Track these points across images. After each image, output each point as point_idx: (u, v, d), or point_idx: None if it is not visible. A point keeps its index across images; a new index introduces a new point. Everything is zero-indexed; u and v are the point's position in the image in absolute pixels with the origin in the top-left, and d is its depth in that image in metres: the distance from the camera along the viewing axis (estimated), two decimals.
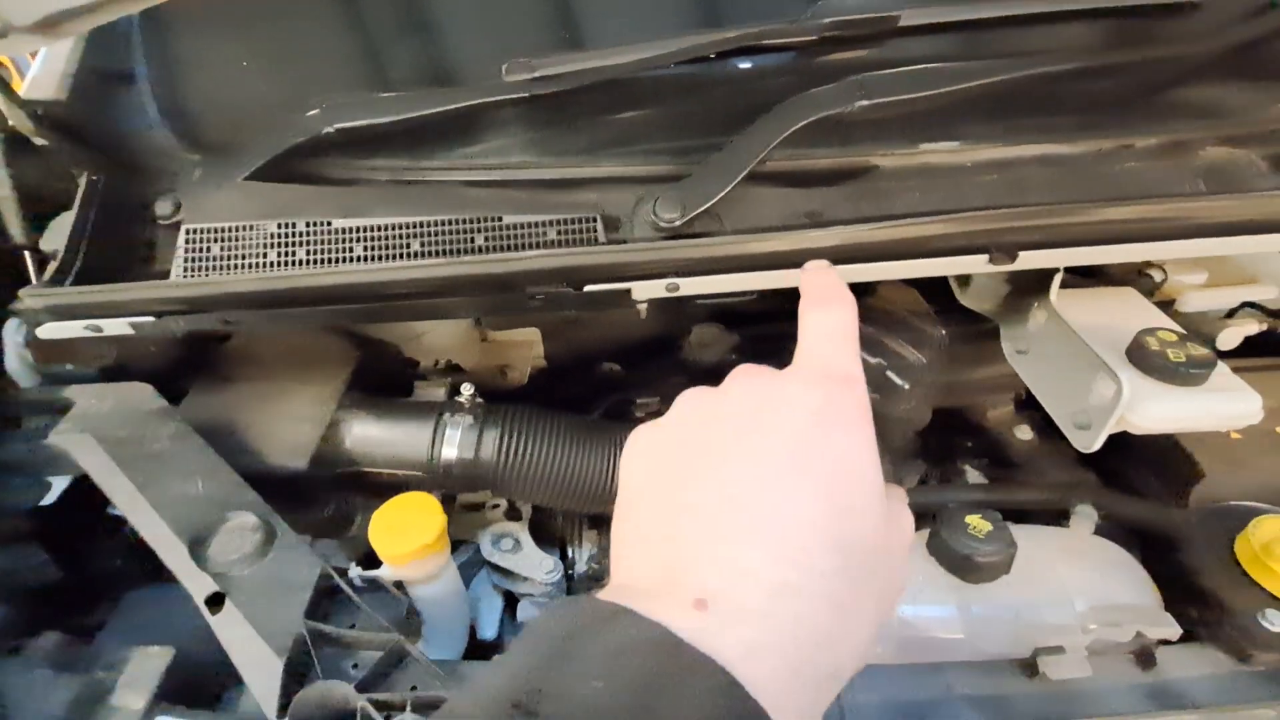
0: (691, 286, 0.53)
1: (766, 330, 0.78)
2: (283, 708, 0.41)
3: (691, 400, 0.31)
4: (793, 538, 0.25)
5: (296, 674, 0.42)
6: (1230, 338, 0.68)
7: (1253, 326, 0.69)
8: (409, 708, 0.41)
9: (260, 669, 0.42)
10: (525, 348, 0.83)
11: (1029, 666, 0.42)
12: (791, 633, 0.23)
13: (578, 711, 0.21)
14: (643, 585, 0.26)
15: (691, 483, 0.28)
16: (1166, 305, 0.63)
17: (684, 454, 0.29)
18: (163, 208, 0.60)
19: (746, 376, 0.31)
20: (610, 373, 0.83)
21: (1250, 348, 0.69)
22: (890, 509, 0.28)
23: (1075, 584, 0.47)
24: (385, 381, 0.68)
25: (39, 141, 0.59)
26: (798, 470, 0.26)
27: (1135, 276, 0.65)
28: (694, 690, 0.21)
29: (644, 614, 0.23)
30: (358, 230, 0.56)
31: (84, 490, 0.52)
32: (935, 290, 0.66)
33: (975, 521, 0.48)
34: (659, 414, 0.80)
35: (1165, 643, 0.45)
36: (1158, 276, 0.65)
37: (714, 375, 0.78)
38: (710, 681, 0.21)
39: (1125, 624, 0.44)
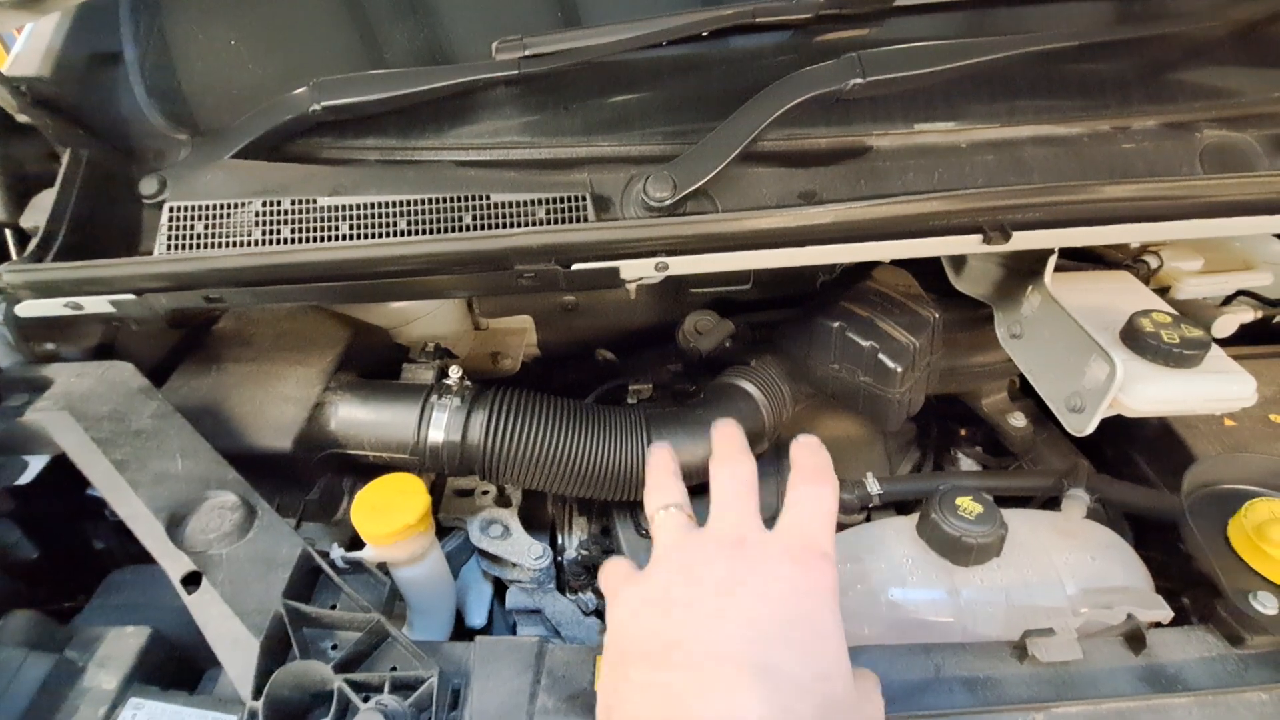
0: (681, 266, 0.52)
1: (762, 318, 0.77)
2: (258, 688, 0.40)
3: (675, 561, 0.34)
4: (780, 694, 0.28)
5: (274, 654, 0.41)
6: (1225, 325, 0.67)
7: (1247, 314, 0.68)
8: (387, 688, 0.40)
9: (236, 648, 0.41)
10: (518, 335, 0.82)
11: (1019, 649, 0.41)
12: None
13: None
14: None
15: (684, 641, 0.31)
16: (1161, 293, 0.63)
17: (673, 613, 0.32)
18: (147, 186, 0.59)
19: (722, 540, 0.34)
20: (604, 360, 0.82)
21: (1245, 336, 0.68)
22: (863, 687, 0.33)
23: (1066, 566, 0.47)
24: (374, 366, 0.67)
25: (22, 118, 0.58)
26: (782, 636, 0.30)
27: (1130, 263, 0.64)
28: None
29: None
30: (344, 208, 0.56)
31: (63, 469, 0.51)
32: (930, 275, 0.65)
33: (966, 503, 0.47)
34: (652, 400, 0.79)
35: (1158, 626, 0.44)
36: (1153, 263, 0.64)
37: (709, 363, 0.77)
38: None
39: (1116, 606, 0.43)
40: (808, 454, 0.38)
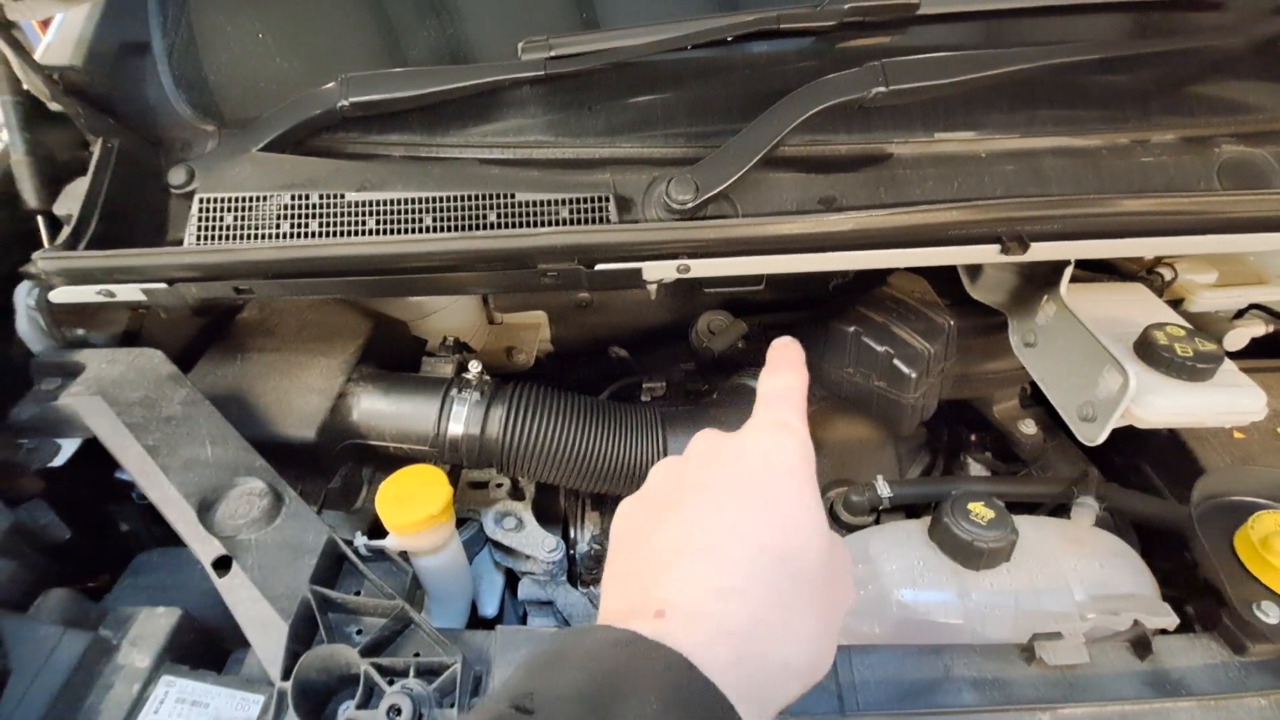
0: (702, 268, 0.53)
1: (775, 319, 0.78)
2: (287, 670, 0.41)
3: (662, 468, 0.37)
4: (735, 552, 0.30)
5: (301, 637, 0.43)
6: (1237, 339, 0.68)
7: (1259, 328, 0.69)
8: (412, 673, 0.41)
9: (266, 631, 0.42)
10: (533, 331, 0.84)
11: (1027, 651, 0.42)
12: (736, 626, 0.28)
13: (565, 695, 0.25)
14: (617, 612, 0.30)
15: (657, 528, 0.32)
16: (1175, 305, 0.63)
17: (653, 508, 0.34)
18: (176, 176, 0.60)
19: (705, 437, 0.36)
20: (617, 357, 0.83)
21: (1256, 349, 0.69)
22: (834, 539, 0.33)
23: (1075, 573, 0.48)
24: (394, 358, 0.68)
25: (54, 107, 0.59)
26: (741, 500, 0.31)
27: (1145, 275, 0.65)
28: (655, 669, 0.25)
29: (616, 626, 0.27)
30: (371, 204, 0.57)
31: (94, 453, 0.52)
32: (945, 283, 0.66)
33: (978, 509, 0.48)
34: (664, 398, 0.80)
35: (1164, 633, 0.45)
36: (1167, 275, 0.65)
37: (722, 362, 0.78)
38: (668, 662, 0.26)
39: (1123, 612, 0.44)
40: (781, 349, 0.39)
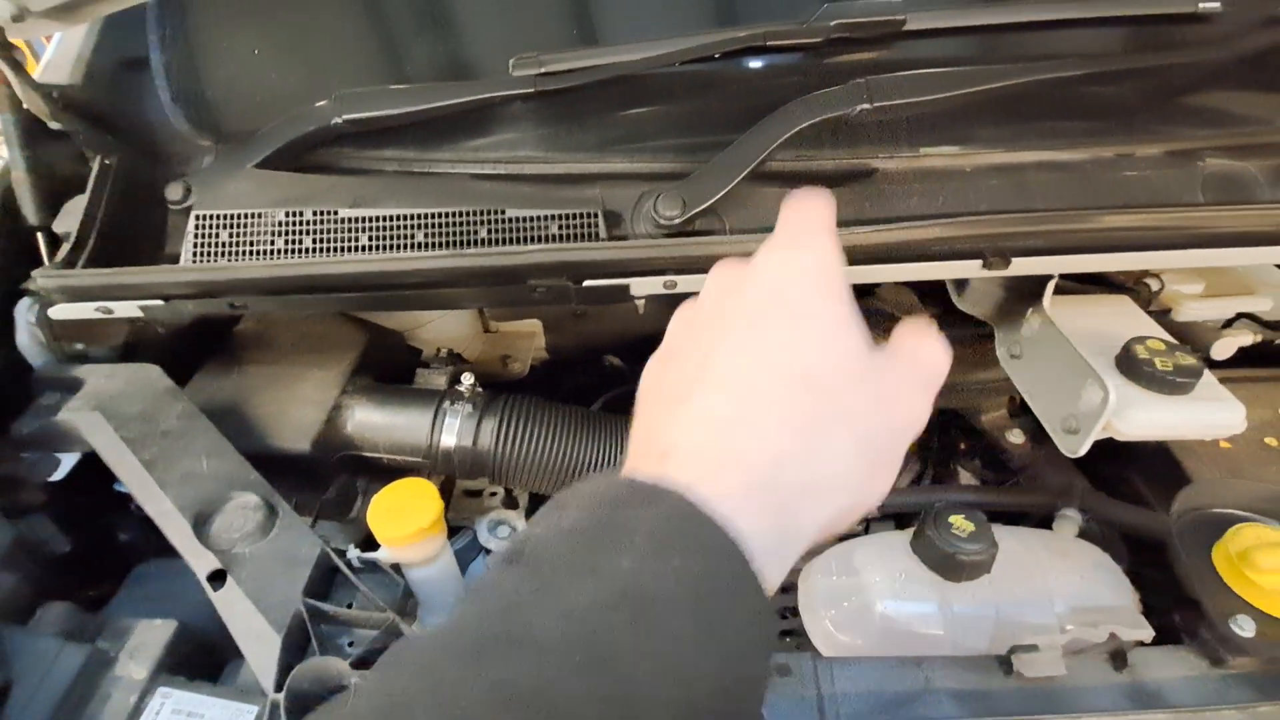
0: (690, 284, 0.54)
1: None
2: (280, 682, 0.42)
3: (678, 314, 0.34)
4: (749, 380, 0.27)
5: (294, 649, 0.44)
6: (1225, 348, 0.68)
7: (1247, 337, 0.69)
8: None
9: (259, 643, 0.43)
10: (527, 339, 0.84)
11: (1005, 663, 0.43)
12: (744, 456, 0.26)
13: (552, 541, 0.25)
14: (627, 468, 0.28)
15: (671, 371, 0.31)
16: (1163, 314, 0.64)
17: (672, 355, 0.32)
18: (173, 192, 0.61)
19: (719, 269, 0.33)
20: (612, 366, 0.84)
21: (1244, 359, 0.69)
22: (880, 355, 0.30)
23: (1055, 585, 0.48)
24: (389, 369, 0.69)
25: (54, 125, 0.60)
26: (757, 326, 0.29)
27: (1132, 285, 0.65)
28: (645, 512, 0.24)
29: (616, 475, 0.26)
30: (364, 220, 0.58)
31: (93, 466, 0.54)
32: (933, 294, 0.67)
33: (959, 521, 0.49)
34: None
35: (1143, 645, 0.46)
36: (1154, 285, 0.65)
37: None
38: (661, 501, 0.24)
39: (1101, 625, 0.45)
40: (805, 190, 0.34)
